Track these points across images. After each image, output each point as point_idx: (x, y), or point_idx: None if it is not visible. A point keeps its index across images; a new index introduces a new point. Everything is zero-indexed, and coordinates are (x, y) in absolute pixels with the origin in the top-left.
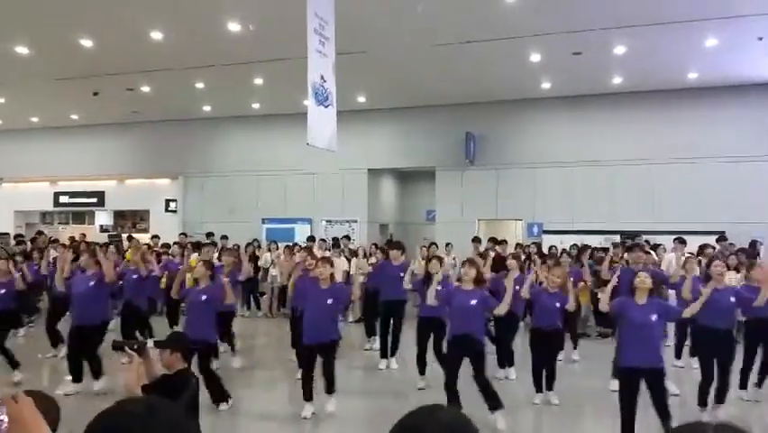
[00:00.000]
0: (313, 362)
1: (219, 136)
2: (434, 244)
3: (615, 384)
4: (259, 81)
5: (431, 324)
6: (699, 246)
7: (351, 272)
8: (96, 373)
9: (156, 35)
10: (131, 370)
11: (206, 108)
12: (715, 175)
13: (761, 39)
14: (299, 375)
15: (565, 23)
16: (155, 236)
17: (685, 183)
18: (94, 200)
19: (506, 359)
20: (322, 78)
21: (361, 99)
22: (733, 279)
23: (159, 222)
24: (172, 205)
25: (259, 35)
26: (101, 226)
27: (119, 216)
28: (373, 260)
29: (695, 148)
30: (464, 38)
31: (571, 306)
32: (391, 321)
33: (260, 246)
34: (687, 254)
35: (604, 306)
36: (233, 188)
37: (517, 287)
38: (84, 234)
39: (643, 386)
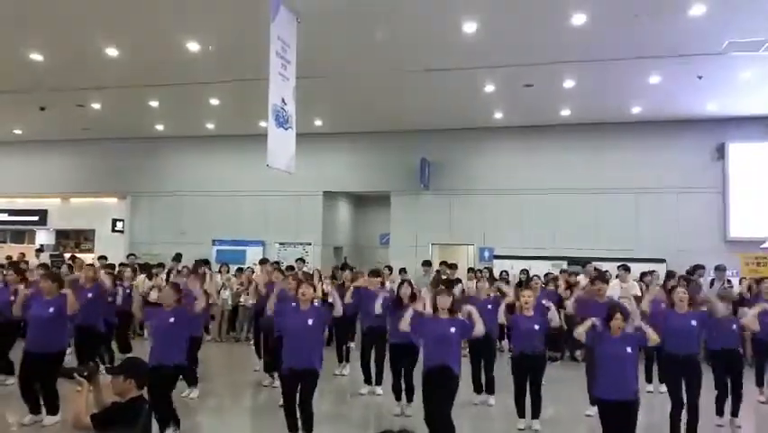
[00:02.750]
0: (295, 389)
1: (171, 156)
2: (389, 267)
3: (591, 409)
4: (214, 102)
5: (402, 351)
6: (641, 273)
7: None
8: (51, 408)
9: (111, 52)
10: (79, 398)
11: (159, 127)
12: (657, 205)
13: (700, 77)
14: (282, 402)
15: (518, 57)
16: (102, 257)
17: (628, 212)
18: (35, 219)
19: (486, 385)
20: (283, 100)
21: (318, 123)
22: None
23: (105, 242)
24: (119, 225)
25: (217, 56)
26: (41, 246)
27: (62, 235)
28: (328, 283)
29: (638, 179)
30: (421, 67)
31: (555, 322)
32: (373, 349)
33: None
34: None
35: (581, 335)
36: (184, 209)
37: (489, 306)
38: (23, 254)
39: None
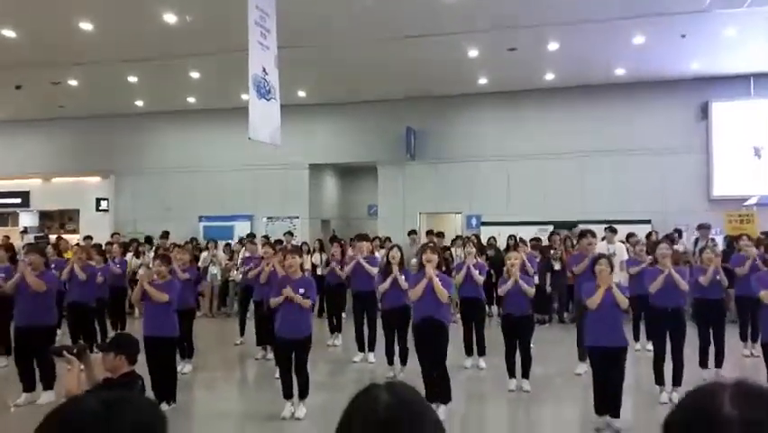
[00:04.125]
0: (290, 357)
1: (153, 132)
2: (378, 238)
3: (580, 368)
4: (195, 75)
5: (394, 315)
6: (627, 234)
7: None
8: (47, 382)
9: (86, 25)
10: (71, 376)
11: (139, 103)
12: (641, 167)
13: (684, 36)
14: (278, 375)
15: (501, 20)
16: (87, 237)
17: (613, 174)
18: (17, 201)
19: (477, 348)
20: (264, 70)
21: (302, 94)
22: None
23: (89, 222)
24: (103, 204)
25: (196, 27)
26: (25, 228)
27: (45, 216)
28: (317, 256)
29: (623, 141)
30: (404, 33)
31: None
32: (365, 314)
33: (198, 245)
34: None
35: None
36: (169, 186)
37: (477, 271)
38: (7, 237)
39: None
